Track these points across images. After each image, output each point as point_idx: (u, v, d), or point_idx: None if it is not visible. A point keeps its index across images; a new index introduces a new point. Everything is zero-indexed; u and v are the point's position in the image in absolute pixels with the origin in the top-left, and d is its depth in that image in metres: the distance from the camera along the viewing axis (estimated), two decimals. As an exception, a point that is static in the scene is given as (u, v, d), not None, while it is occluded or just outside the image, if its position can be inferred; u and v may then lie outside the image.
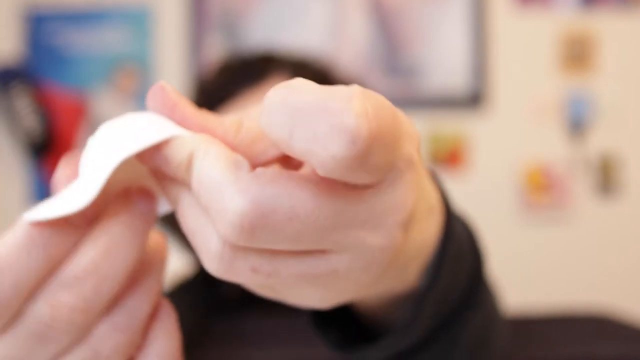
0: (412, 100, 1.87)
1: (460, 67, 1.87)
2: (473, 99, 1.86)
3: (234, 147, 0.23)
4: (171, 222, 0.69)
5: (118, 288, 0.24)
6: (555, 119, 1.86)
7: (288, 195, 0.20)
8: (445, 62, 1.87)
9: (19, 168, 1.93)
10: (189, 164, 0.22)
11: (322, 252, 0.22)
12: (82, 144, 1.93)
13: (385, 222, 0.22)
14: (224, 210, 0.20)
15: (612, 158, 1.86)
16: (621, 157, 1.86)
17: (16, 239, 0.22)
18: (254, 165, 0.24)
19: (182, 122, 0.23)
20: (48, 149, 1.90)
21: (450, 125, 1.86)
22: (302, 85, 0.19)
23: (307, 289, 0.24)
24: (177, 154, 0.22)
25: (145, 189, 0.25)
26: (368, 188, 0.21)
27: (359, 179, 0.20)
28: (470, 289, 0.36)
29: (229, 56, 0.76)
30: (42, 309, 0.22)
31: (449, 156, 1.87)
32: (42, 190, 1.92)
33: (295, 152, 0.19)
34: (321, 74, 0.72)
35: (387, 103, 0.20)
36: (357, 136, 0.18)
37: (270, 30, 1.87)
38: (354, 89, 0.19)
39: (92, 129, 1.93)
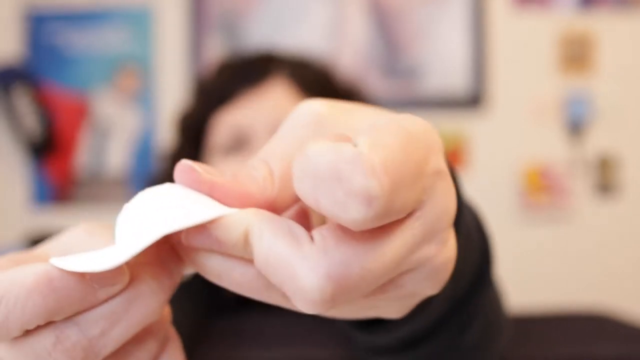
0: (412, 101, 1.87)
1: (459, 68, 1.87)
2: (472, 100, 1.86)
3: (274, 200, 0.24)
4: None
5: (129, 337, 0.24)
6: (554, 119, 1.87)
7: (356, 257, 0.21)
8: (444, 63, 1.88)
9: (20, 168, 1.93)
10: (246, 243, 0.22)
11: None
12: (83, 144, 1.93)
13: (437, 231, 0.23)
14: (301, 290, 0.21)
15: (610, 158, 1.86)
16: (620, 156, 1.86)
17: (36, 277, 0.22)
18: (294, 201, 0.24)
19: (222, 199, 0.24)
20: (49, 149, 1.90)
21: (450, 125, 1.87)
22: (314, 150, 0.20)
23: (380, 307, 0.25)
24: (231, 235, 0.22)
25: (175, 250, 0.25)
26: (413, 213, 0.22)
27: (394, 218, 0.21)
28: (480, 272, 0.36)
29: (228, 56, 0.77)
30: (48, 337, 0.23)
31: (449, 156, 1.87)
32: (43, 191, 1.92)
33: (326, 215, 0.20)
34: (321, 74, 0.72)
35: (400, 141, 0.21)
36: (371, 198, 0.19)
37: (270, 30, 1.88)
38: (362, 144, 0.20)
39: (92, 129, 1.93)
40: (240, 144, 0.68)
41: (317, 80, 0.70)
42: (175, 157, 0.73)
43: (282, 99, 0.67)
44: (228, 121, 0.67)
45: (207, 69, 0.72)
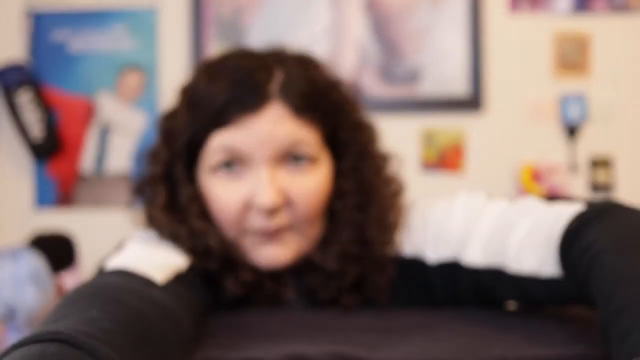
0: (411, 103, 1.89)
1: (457, 71, 1.88)
2: (470, 102, 1.88)
3: None
4: (158, 221, 0.70)
5: None
6: (549, 120, 1.89)
7: None
8: (442, 66, 1.89)
9: (25, 170, 1.94)
10: None
11: None
12: (87, 146, 1.94)
13: None
14: None
15: (605, 158, 1.88)
16: (614, 157, 1.88)
17: None
18: None
19: None
20: (53, 151, 1.91)
21: (448, 126, 1.88)
22: None
23: None
24: None
25: None
26: None
27: None
28: None
29: (215, 60, 0.75)
30: None
31: (446, 157, 1.88)
32: (47, 192, 1.94)
33: None
34: (313, 86, 0.70)
35: None
36: None
37: (271, 34, 1.89)
38: None
39: (96, 130, 1.95)
40: (233, 163, 0.68)
41: (308, 97, 0.69)
42: (156, 158, 0.72)
43: (278, 122, 0.67)
44: (224, 142, 0.67)
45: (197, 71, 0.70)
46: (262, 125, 0.67)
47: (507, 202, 0.65)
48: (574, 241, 0.52)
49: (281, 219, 0.67)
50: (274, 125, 0.67)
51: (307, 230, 0.69)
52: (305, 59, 0.74)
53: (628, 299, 0.42)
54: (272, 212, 0.66)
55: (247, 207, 0.67)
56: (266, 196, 0.65)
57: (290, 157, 0.68)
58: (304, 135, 0.68)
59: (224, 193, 0.68)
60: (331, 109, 0.71)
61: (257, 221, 0.67)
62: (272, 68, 0.70)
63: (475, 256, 0.64)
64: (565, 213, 0.56)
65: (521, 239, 0.59)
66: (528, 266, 0.58)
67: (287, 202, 0.67)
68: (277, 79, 0.69)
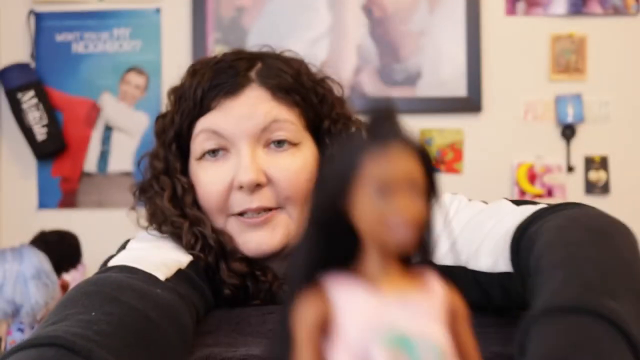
0: (409, 104, 1.90)
1: (455, 73, 1.90)
2: (468, 103, 1.89)
3: None
4: (158, 218, 0.72)
5: None
6: (546, 121, 1.90)
7: None
8: (441, 68, 1.90)
9: (29, 171, 1.95)
10: None
11: None
12: (91, 147, 1.95)
13: None
14: None
15: (600, 158, 1.90)
16: (609, 158, 1.90)
17: None
18: None
19: None
20: (57, 151, 1.92)
21: (446, 128, 1.90)
22: None
23: None
24: None
25: None
26: None
27: None
28: None
29: (200, 60, 0.77)
30: None
31: (445, 158, 1.89)
32: (50, 193, 1.94)
33: None
34: (291, 75, 0.73)
35: None
36: None
37: (272, 36, 1.90)
38: None
39: (100, 131, 1.96)
40: (218, 151, 0.70)
41: (287, 83, 0.72)
42: (157, 157, 0.75)
43: (257, 103, 0.70)
44: (206, 126, 0.70)
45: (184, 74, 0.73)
46: (241, 106, 0.70)
47: (482, 205, 0.67)
48: (523, 234, 0.55)
49: (264, 199, 0.69)
50: (253, 105, 0.70)
51: (297, 214, 0.71)
52: (289, 55, 0.76)
53: (552, 261, 0.46)
54: (253, 189, 0.68)
55: (231, 188, 0.70)
56: (246, 172, 0.68)
57: (272, 142, 0.70)
58: (282, 115, 0.70)
59: (209, 178, 0.71)
60: (313, 98, 0.73)
61: (240, 202, 0.69)
62: (254, 60, 0.73)
63: (443, 255, 0.66)
64: (525, 212, 0.58)
65: (483, 237, 0.61)
66: (484, 262, 0.60)
67: (269, 182, 0.69)
68: (257, 67, 0.72)
